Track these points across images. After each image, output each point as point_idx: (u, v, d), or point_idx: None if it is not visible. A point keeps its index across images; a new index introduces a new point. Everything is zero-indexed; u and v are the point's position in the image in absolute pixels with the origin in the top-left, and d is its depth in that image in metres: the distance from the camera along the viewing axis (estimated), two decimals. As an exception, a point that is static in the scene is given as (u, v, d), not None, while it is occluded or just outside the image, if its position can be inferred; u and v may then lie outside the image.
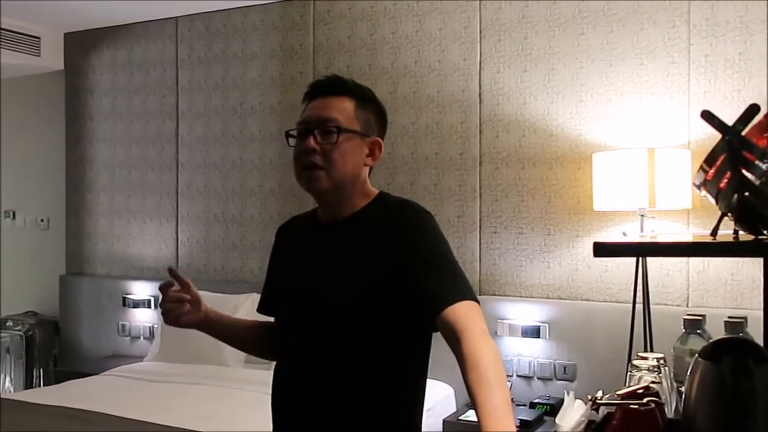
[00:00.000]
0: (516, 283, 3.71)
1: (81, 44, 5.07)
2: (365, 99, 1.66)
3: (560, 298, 3.60)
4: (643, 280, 3.19)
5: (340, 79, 1.67)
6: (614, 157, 3.21)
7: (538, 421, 3.27)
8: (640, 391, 1.16)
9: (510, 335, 3.63)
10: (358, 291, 1.54)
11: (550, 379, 3.57)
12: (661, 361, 1.33)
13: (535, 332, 3.58)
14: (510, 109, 3.73)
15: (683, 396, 1.11)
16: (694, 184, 1.10)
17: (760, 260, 3.30)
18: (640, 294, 3.19)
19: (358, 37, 4.12)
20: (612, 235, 3.48)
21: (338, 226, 1.63)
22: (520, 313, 3.64)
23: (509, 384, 3.57)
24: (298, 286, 1.67)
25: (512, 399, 3.53)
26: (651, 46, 3.42)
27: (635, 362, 1.32)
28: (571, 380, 3.51)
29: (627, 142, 3.42)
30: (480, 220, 3.80)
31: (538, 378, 3.60)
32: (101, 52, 5.00)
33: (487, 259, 3.78)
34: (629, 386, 1.20)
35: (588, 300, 3.55)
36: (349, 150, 1.59)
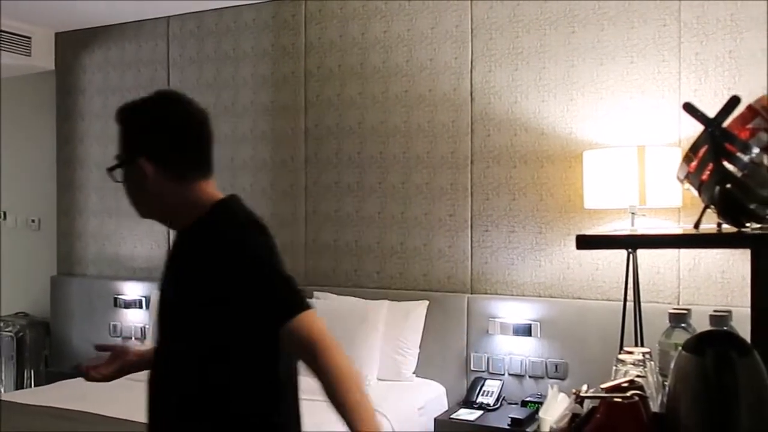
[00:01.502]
0: (507, 281, 3.71)
1: (72, 44, 5.05)
2: (126, 122, 1.62)
3: (551, 297, 3.61)
4: (633, 277, 3.19)
5: (117, 114, 1.64)
6: (605, 155, 3.21)
7: (530, 419, 3.26)
8: (625, 384, 1.16)
9: (501, 333, 3.63)
10: (194, 304, 1.55)
11: (542, 378, 3.57)
12: (647, 356, 1.33)
13: (526, 330, 3.58)
14: (501, 107, 3.73)
15: (667, 389, 1.11)
16: (677, 177, 1.10)
17: (749, 257, 3.30)
18: (630, 292, 3.19)
19: (350, 36, 4.12)
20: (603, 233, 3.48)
21: (180, 236, 1.67)
22: (512, 311, 3.64)
23: (501, 382, 3.57)
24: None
25: (504, 397, 3.53)
26: (641, 44, 3.43)
27: (621, 356, 1.31)
28: (562, 378, 3.51)
29: (617, 140, 3.42)
30: (471, 218, 3.80)
31: (530, 376, 3.59)
32: (92, 51, 4.98)
33: (478, 257, 3.78)
34: (614, 380, 1.20)
35: (579, 298, 3.55)
36: (129, 183, 1.61)
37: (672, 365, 1.09)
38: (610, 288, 3.47)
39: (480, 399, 3.50)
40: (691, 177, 1.04)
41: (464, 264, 3.81)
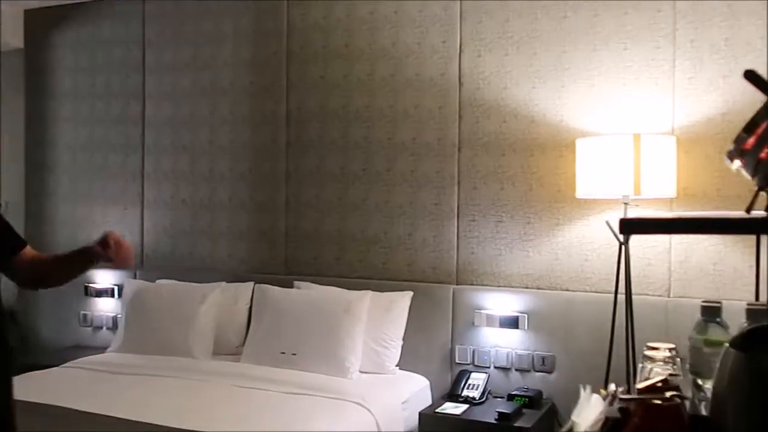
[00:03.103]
0: (494, 272, 3.61)
1: (43, 21, 4.84)
2: None
3: (539, 288, 3.52)
4: (625, 269, 3.11)
5: None
6: (599, 143, 3.12)
7: (517, 413, 3.18)
8: (659, 384, 1.06)
9: (488, 326, 3.54)
10: None
11: (529, 371, 3.48)
12: (673, 352, 1.24)
13: (513, 323, 3.49)
14: (490, 93, 3.62)
15: (712, 391, 1.01)
16: (726, 155, 0.99)
17: (743, 249, 3.21)
18: (622, 284, 3.11)
19: (335, 16, 3.98)
20: (594, 223, 3.40)
21: None
22: (498, 303, 3.54)
23: (487, 376, 3.48)
24: None
25: (489, 391, 3.44)
26: (635, 30, 3.34)
27: (647, 353, 1.22)
28: (549, 372, 3.43)
29: (609, 128, 3.33)
30: (458, 207, 3.70)
31: (516, 369, 3.51)
32: (64, 29, 4.78)
33: (465, 247, 3.68)
34: (646, 379, 1.10)
35: (567, 290, 3.47)
36: None
37: (717, 364, 0.99)
38: (599, 280, 3.40)
39: (465, 392, 3.40)
40: (746, 155, 0.94)
41: (450, 254, 3.71)
